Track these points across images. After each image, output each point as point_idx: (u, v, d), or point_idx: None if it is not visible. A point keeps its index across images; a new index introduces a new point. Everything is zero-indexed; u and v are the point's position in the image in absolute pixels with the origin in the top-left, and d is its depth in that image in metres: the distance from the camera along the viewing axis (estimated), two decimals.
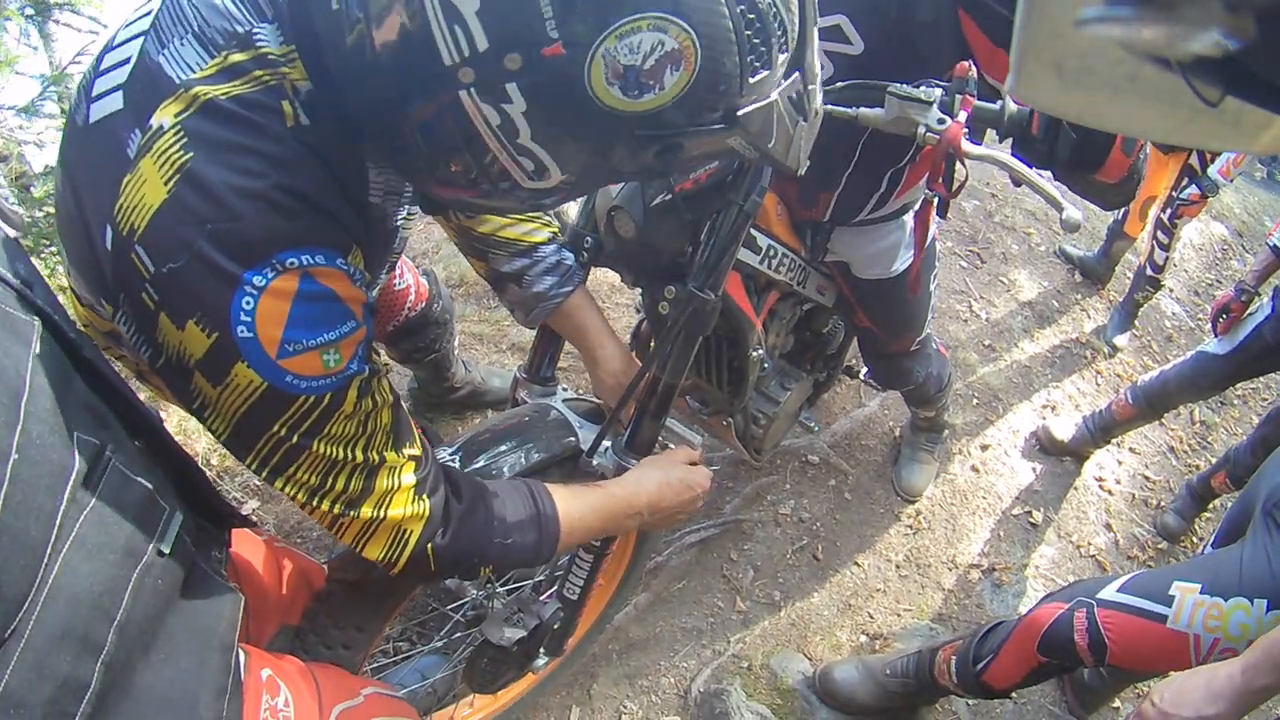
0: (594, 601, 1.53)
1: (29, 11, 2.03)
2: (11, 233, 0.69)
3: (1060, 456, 2.67)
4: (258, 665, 0.81)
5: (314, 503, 0.77)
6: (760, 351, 1.40)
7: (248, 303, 0.65)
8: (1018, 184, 0.99)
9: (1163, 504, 2.68)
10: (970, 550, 2.32)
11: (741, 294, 1.32)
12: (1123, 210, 3.27)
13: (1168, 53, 0.33)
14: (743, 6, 0.61)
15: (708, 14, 0.59)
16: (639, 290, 1.33)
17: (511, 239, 1.16)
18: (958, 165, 1.04)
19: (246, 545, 1.01)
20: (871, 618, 2.08)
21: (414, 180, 0.81)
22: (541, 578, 1.42)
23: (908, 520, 2.33)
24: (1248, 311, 2.26)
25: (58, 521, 0.54)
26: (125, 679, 0.61)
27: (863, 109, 1.06)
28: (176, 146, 0.64)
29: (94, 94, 0.69)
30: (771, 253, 1.36)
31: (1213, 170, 2.83)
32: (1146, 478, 2.78)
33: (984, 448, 2.61)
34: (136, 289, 0.66)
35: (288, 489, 0.77)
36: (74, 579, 0.55)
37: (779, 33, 0.65)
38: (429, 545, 0.84)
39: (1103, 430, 2.60)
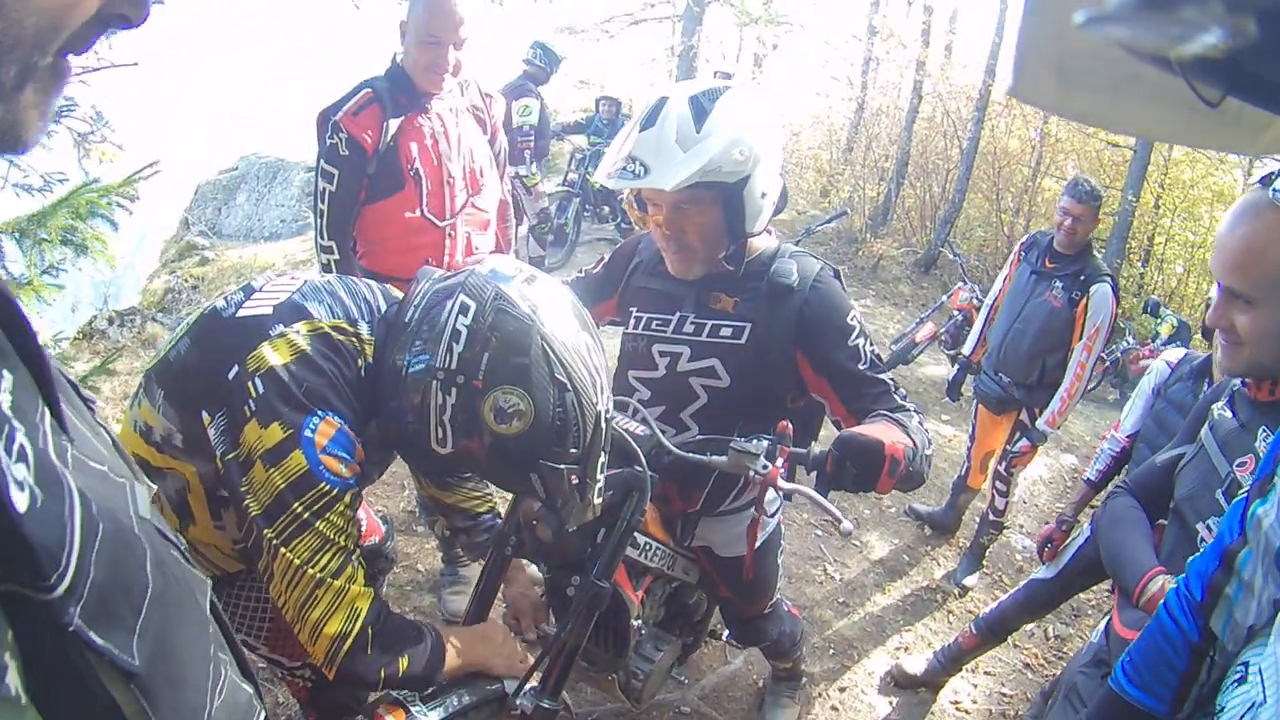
0: None
1: None
2: None
3: (915, 689, 2.75)
4: None
5: (307, 569, 1.16)
6: (638, 623, 1.75)
7: (314, 422, 1.15)
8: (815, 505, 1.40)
9: (1020, 714, 2.77)
10: None
11: (625, 579, 1.66)
12: (964, 467, 3.77)
13: (1168, 53, 0.33)
14: (557, 410, 1.17)
15: (544, 402, 1.17)
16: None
17: (463, 508, 1.77)
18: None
19: None
20: None
21: (392, 434, 1.28)
22: None
23: None
24: (1068, 539, 2.45)
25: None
26: None
27: (712, 456, 1.48)
28: (303, 341, 1.18)
29: (241, 307, 1.22)
30: (648, 548, 1.72)
31: (1040, 423, 3.16)
32: (1003, 694, 2.88)
33: (841, 689, 2.72)
34: (241, 403, 1.13)
35: (292, 556, 1.15)
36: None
37: (575, 430, 1.20)
38: (370, 629, 1.21)
39: (952, 660, 2.71)
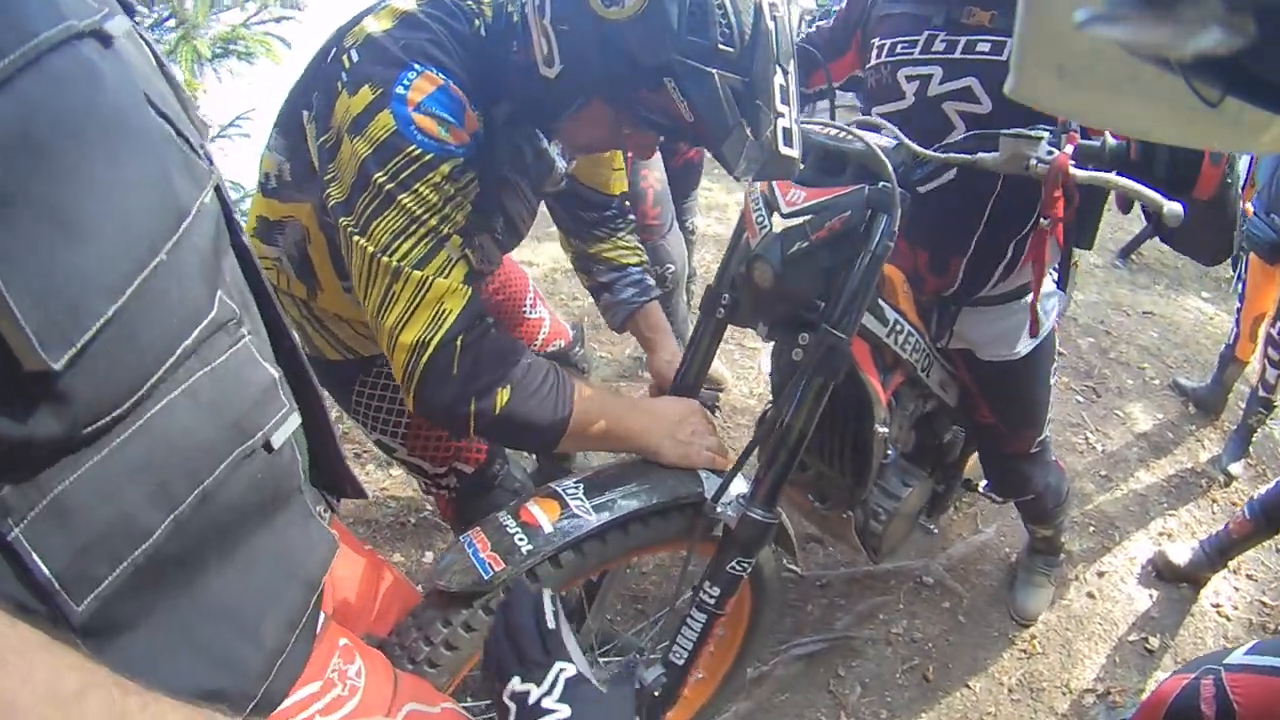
0: (699, 686, 1.51)
1: None
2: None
3: (1177, 583, 2.54)
4: (337, 632, 0.78)
5: (384, 257, 0.95)
6: (885, 430, 1.40)
7: (409, 75, 0.95)
8: (1126, 209, 1.11)
9: None
10: (1085, 675, 2.18)
11: (869, 364, 1.37)
12: (1232, 333, 3.29)
13: (1168, 53, 0.33)
14: None
15: None
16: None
17: (609, 259, 1.51)
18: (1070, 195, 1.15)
19: (346, 554, 0.94)
20: None
21: (515, 92, 1.08)
22: (645, 644, 1.41)
23: (1022, 644, 2.24)
24: None
25: (176, 355, 0.50)
26: (191, 570, 0.55)
27: (981, 154, 1.18)
28: (410, 4, 1.00)
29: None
30: (898, 327, 1.40)
31: None
32: (1264, 603, 2.60)
33: (1100, 574, 2.53)
34: (334, 77, 0.97)
35: (368, 243, 0.96)
36: (171, 423, 0.51)
37: (722, 21, 0.89)
38: (459, 339, 0.98)
39: (1220, 551, 2.47)
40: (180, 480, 0.52)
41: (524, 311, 1.72)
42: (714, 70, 0.90)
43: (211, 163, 0.57)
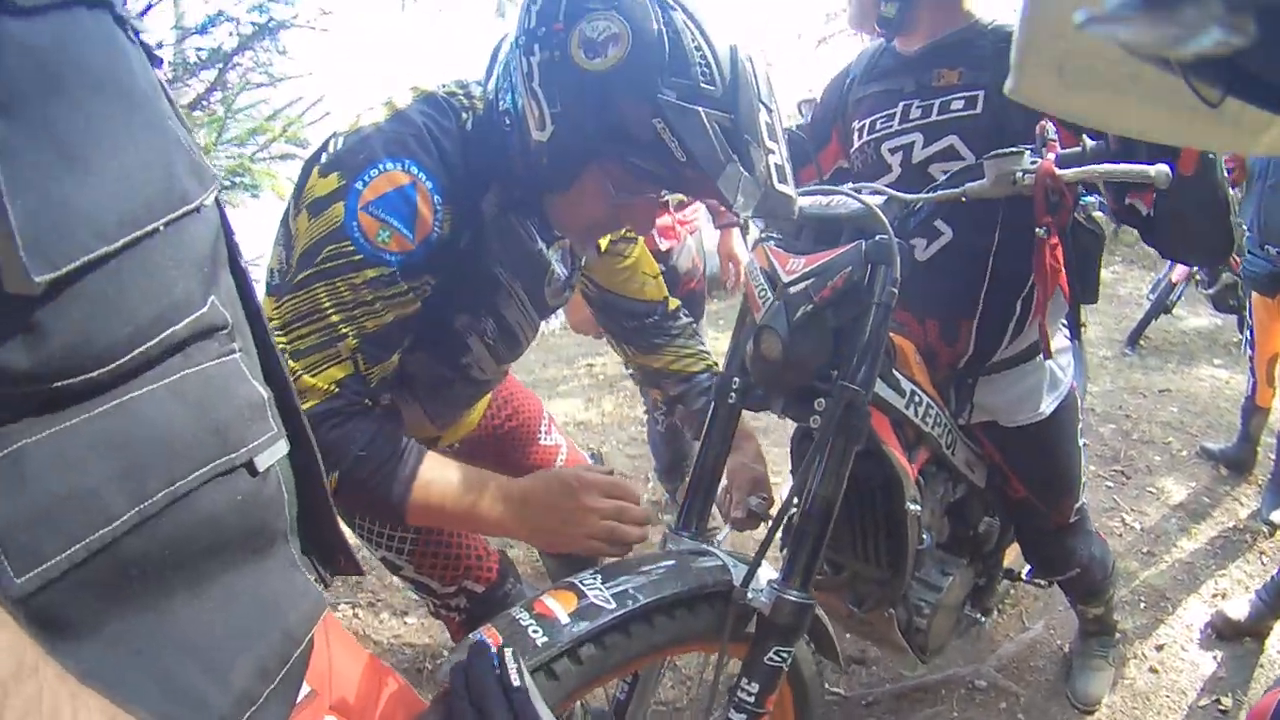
0: None
1: None
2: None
3: (1239, 639, 2.46)
4: (321, 706, 0.71)
5: (279, 334, 0.96)
6: (917, 507, 1.35)
7: (374, 171, 0.96)
8: (1120, 205, 1.13)
9: None
10: None
11: (892, 438, 1.32)
12: (1250, 383, 3.30)
13: (1168, 53, 0.33)
14: (664, 27, 0.91)
15: (643, 20, 0.92)
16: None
17: (674, 371, 1.49)
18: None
19: (349, 646, 0.89)
20: None
21: (505, 176, 1.09)
22: None
23: None
24: None
25: (161, 338, 0.49)
26: (157, 591, 0.50)
27: (968, 184, 1.20)
28: (403, 101, 1.03)
29: None
30: (916, 398, 1.37)
31: None
32: None
33: (1159, 648, 2.44)
34: (317, 159, 1.01)
35: (275, 316, 0.97)
36: (151, 410, 0.48)
37: (701, 63, 0.93)
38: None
39: (1277, 596, 2.40)
40: (152, 472, 0.48)
41: (538, 438, 1.69)
42: (700, 108, 0.93)
43: (215, 178, 0.57)
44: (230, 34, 2.40)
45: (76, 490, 0.45)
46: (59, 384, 0.43)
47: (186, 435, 0.51)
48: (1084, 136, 1.18)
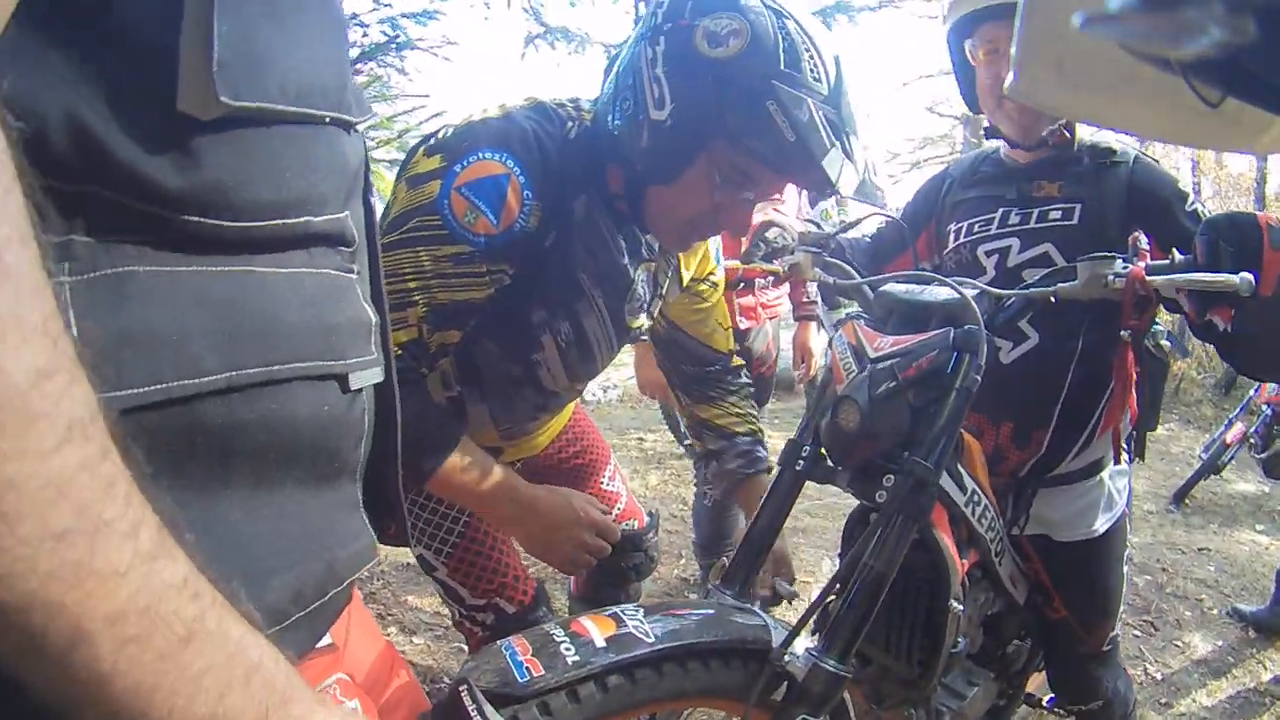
0: None
1: None
2: None
3: None
4: (338, 661, 0.69)
5: None
6: (960, 607, 1.30)
7: (473, 157, 1.04)
8: (1201, 320, 1.14)
9: None
10: None
11: (947, 529, 1.31)
12: None
13: (1168, 53, 0.33)
14: (782, 31, 1.02)
15: (761, 23, 1.02)
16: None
17: (719, 426, 1.53)
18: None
19: (370, 630, 0.85)
20: None
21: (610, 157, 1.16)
22: None
23: None
24: None
25: (294, 221, 0.49)
26: (215, 476, 0.46)
27: (1060, 285, 1.23)
28: (514, 105, 1.13)
29: None
30: (975, 498, 1.36)
31: None
32: None
33: None
34: (421, 145, 1.10)
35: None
36: (265, 292, 0.47)
37: (811, 61, 1.04)
38: None
39: None
40: (252, 346, 0.46)
41: (601, 481, 1.69)
42: (809, 98, 1.03)
43: (368, 110, 0.59)
44: (355, 44, 2.46)
45: (174, 332, 0.42)
46: (193, 219, 0.42)
47: (294, 325, 0.49)
48: (1174, 250, 1.21)
